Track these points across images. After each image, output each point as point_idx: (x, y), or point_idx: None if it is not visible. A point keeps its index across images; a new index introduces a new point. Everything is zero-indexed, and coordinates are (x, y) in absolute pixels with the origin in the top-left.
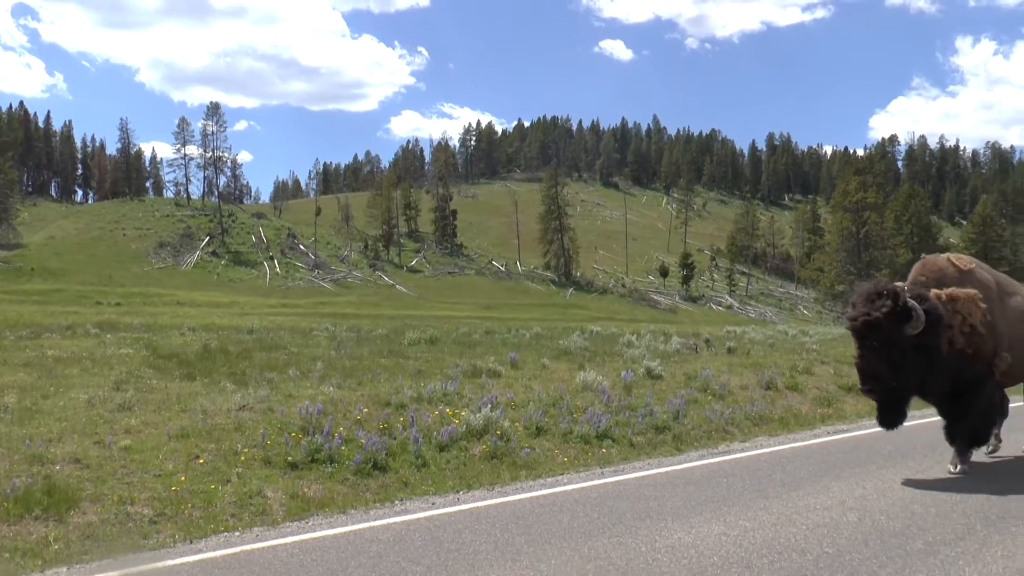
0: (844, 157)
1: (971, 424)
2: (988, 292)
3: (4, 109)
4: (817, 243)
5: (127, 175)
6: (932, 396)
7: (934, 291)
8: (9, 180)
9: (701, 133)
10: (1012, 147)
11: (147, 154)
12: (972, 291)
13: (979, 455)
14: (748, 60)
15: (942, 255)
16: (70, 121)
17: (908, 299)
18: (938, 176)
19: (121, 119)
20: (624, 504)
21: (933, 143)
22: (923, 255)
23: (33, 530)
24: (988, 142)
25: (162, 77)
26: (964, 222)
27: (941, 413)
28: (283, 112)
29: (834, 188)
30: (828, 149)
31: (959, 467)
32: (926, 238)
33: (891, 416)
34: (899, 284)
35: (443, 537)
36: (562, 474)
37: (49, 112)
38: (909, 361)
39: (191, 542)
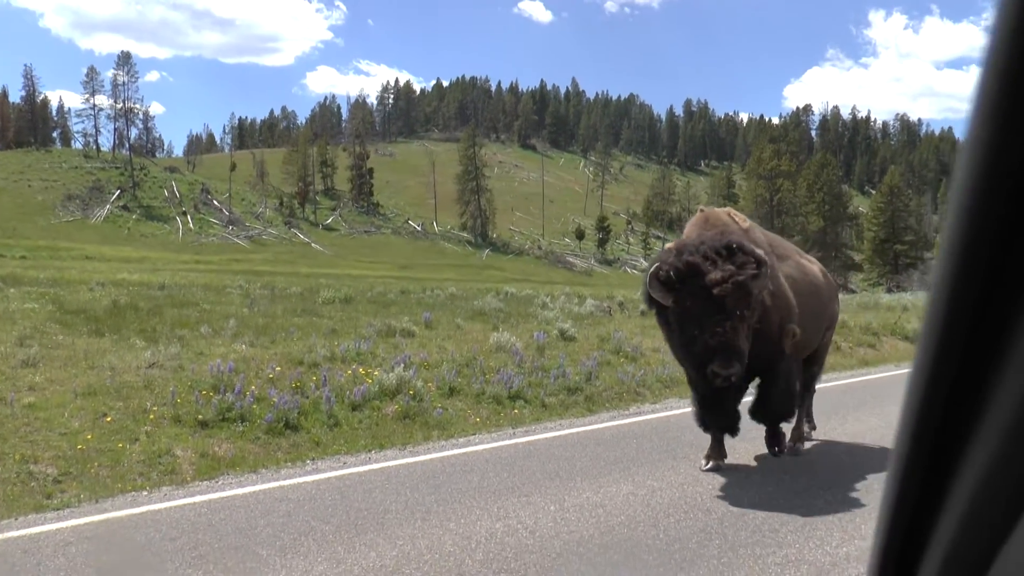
0: (760, 125)
1: (769, 411)
2: (769, 255)
3: None
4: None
5: (32, 124)
6: None
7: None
8: None
9: (620, 97)
10: (920, 120)
11: (54, 103)
12: (759, 251)
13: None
14: (667, 25)
15: (722, 209)
16: None
17: (760, 253)
18: (850, 146)
19: (25, 66)
20: (534, 464)
21: (846, 113)
22: (701, 208)
23: None
24: (898, 114)
25: (68, 23)
26: (873, 191)
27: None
28: (196, 64)
29: (749, 155)
30: (744, 117)
31: (777, 451)
32: (837, 206)
33: (734, 406)
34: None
35: (353, 496)
36: (474, 434)
37: None
38: (750, 332)
39: (97, 501)
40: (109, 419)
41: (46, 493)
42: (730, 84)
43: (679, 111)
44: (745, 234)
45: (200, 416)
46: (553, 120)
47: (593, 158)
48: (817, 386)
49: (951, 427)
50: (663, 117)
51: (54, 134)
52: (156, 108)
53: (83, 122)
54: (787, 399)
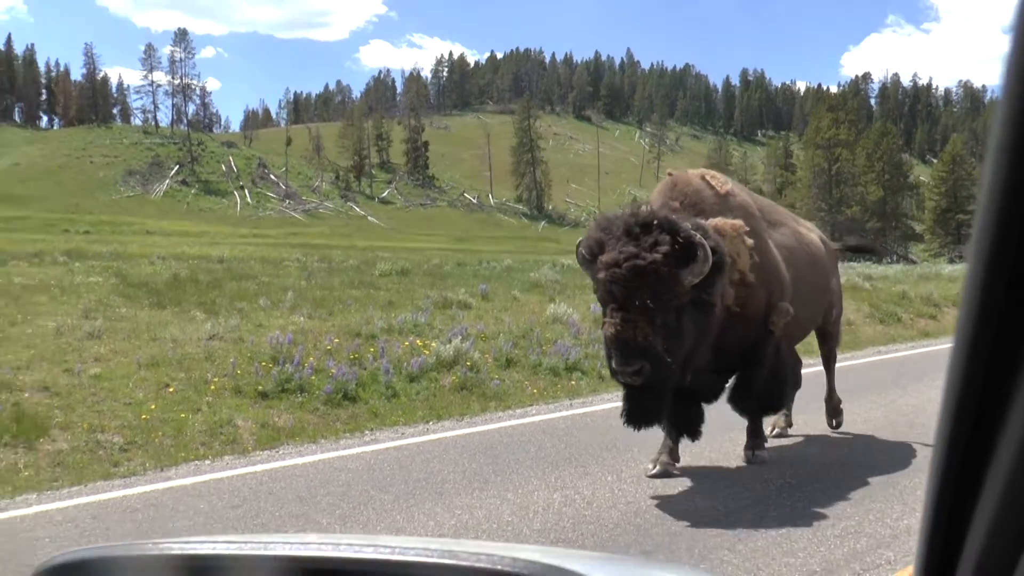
0: (817, 94)
1: (754, 400)
2: (752, 222)
3: None
4: (789, 179)
5: (93, 101)
6: (689, 373)
7: (702, 221)
8: None
9: (675, 67)
10: (984, 86)
11: (113, 80)
12: (739, 223)
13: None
14: None
15: (695, 172)
16: (32, 45)
17: (690, 231)
18: (910, 114)
19: (86, 44)
20: (591, 435)
21: (906, 81)
22: (669, 172)
23: (3, 457)
24: (961, 81)
25: (126, 1)
26: (935, 160)
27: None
28: (251, 40)
29: (807, 125)
30: (802, 85)
31: (755, 453)
32: (897, 175)
33: (656, 407)
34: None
35: (411, 466)
36: (531, 405)
37: (10, 35)
38: (686, 324)
39: (161, 470)
40: (172, 390)
41: (113, 461)
42: (787, 53)
43: (735, 81)
44: (723, 200)
45: (260, 387)
46: (608, 91)
47: (649, 129)
48: (876, 358)
49: (987, 420)
50: (719, 87)
51: (114, 111)
52: (212, 84)
53: (142, 98)
54: (773, 385)
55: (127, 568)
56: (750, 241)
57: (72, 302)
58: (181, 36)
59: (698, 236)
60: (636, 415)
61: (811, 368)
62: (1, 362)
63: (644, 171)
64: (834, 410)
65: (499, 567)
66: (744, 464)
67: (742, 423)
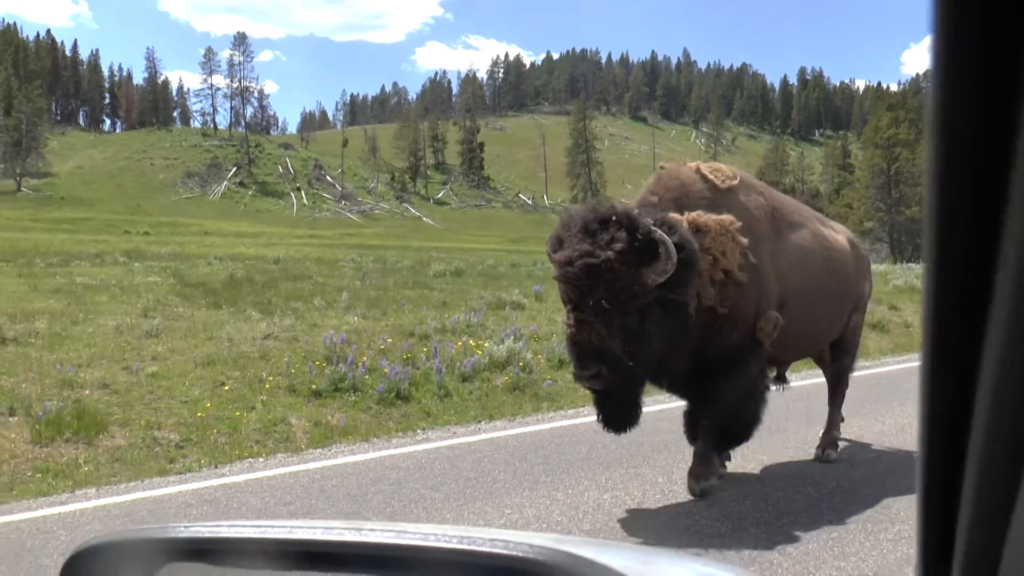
0: (876, 92)
1: (722, 411)
2: (755, 223)
3: (32, 38)
4: (847, 179)
5: (154, 105)
6: (667, 378)
7: (672, 216)
8: (38, 109)
9: (732, 67)
10: None
11: (174, 84)
12: (728, 218)
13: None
14: None
15: (691, 165)
16: (97, 50)
17: (650, 227)
18: None
19: (147, 48)
20: (642, 436)
21: None
22: (662, 165)
23: (64, 452)
24: None
25: (186, 5)
26: None
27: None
28: (308, 43)
29: (866, 124)
30: (860, 84)
31: (701, 484)
32: None
33: (624, 411)
34: (628, 205)
35: (463, 466)
36: (583, 406)
37: (76, 41)
38: (650, 326)
39: (216, 467)
40: (227, 388)
41: (169, 458)
42: (846, 51)
43: (793, 80)
44: (719, 196)
45: (314, 386)
46: (664, 91)
47: (705, 129)
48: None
49: (957, 414)
50: (776, 86)
51: (174, 114)
52: (270, 86)
53: (201, 101)
54: (745, 402)
55: (154, 550)
56: (743, 239)
57: (132, 301)
58: (240, 40)
59: (658, 232)
60: (608, 418)
61: (864, 371)
62: (64, 360)
63: None
64: (831, 442)
65: (515, 552)
66: (796, 467)
67: (791, 427)
